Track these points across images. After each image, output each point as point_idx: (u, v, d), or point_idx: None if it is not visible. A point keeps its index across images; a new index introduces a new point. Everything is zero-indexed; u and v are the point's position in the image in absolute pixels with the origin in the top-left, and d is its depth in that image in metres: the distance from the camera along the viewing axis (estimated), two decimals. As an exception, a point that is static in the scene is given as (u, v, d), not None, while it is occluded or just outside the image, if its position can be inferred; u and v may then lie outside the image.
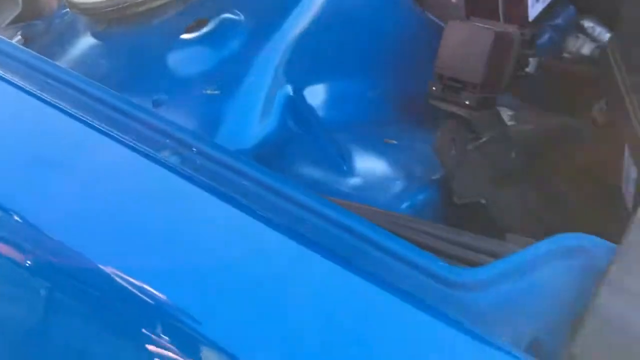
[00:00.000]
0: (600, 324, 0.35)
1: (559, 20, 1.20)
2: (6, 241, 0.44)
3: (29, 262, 0.43)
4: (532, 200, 0.69)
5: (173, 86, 0.66)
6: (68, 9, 0.85)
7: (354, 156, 0.65)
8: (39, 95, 0.52)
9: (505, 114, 0.80)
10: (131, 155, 0.47)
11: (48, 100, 0.51)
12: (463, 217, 0.61)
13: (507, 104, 0.90)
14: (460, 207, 0.61)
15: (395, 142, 0.69)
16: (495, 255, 0.46)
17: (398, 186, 0.62)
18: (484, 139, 0.64)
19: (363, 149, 0.67)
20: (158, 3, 0.71)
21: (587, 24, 1.24)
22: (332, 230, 0.43)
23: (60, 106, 0.50)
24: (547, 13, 1.13)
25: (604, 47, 0.81)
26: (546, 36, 1.19)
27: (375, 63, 0.77)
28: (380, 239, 0.43)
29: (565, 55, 1.21)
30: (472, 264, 0.45)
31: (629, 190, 0.73)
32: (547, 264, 0.42)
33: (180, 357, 0.39)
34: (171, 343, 0.40)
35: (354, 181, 0.63)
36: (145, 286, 0.40)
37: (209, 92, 0.64)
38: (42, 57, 0.57)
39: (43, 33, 0.95)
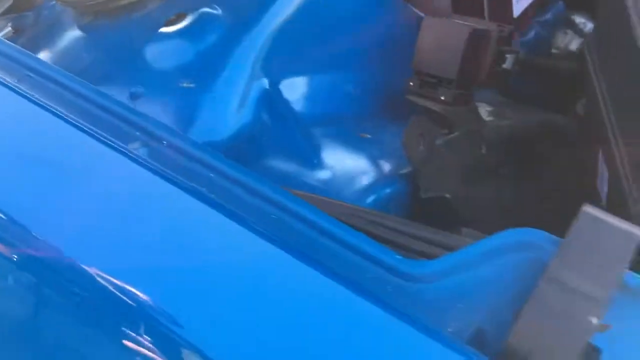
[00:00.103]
0: (537, 316, 0.36)
1: (547, 16, 1.21)
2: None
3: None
4: (507, 196, 0.70)
5: (151, 79, 0.68)
6: (56, 1, 0.87)
7: (326, 150, 0.66)
8: (14, 87, 0.53)
9: (484, 109, 0.81)
10: (99, 147, 0.48)
11: (23, 92, 0.53)
12: (429, 212, 0.63)
13: (489, 100, 0.91)
14: (426, 202, 0.62)
15: (369, 136, 0.70)
16: (450, 249, 0.47)
17: (365, 180, 0.64)
18: (453, 135, 0.65)
19: (336, 143, 0.68)
20: (139, -4, 0.72)
21: (579, 19, 1.25)
22: (289, 222, 0.44)
23: (34, 98, 0.52)
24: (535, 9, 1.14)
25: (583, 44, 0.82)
26: (533, 32, 1.20)
27: (355, 57, 0.78)
28: (335, 230, 0.44)
29: (554, 51, 1.22)
30: (428, 257, 0.46)
31: (603, 188, 0.74)
32: (496, 257, 0.43)
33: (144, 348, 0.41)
34: (131, 332, 0.41)
35: (323, 174, 0.64)
36: (105, 275, 0.41)
37: (184, 85, 0.65)
38: (21, 49, 0.58)
39: (32, 24, 0.96)
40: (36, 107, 0.51)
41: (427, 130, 0.60)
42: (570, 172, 0.77)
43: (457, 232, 0.50)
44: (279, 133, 0.65)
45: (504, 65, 0.77)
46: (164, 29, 0.70)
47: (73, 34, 0.80)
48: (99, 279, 0.42)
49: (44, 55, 0.83)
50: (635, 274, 0.41)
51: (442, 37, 0.71)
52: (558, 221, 0.46)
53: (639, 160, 0.61)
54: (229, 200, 0.46)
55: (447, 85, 0.72)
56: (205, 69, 0.67)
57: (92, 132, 0.49)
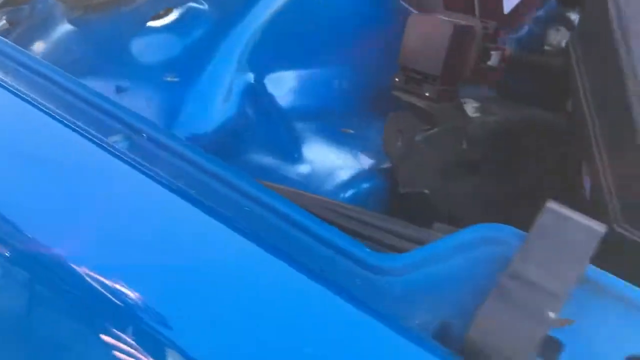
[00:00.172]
0: (496, 309, 0.37)
1: (540, 13, 1.21)
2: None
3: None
4: (488, 193, 0.71)
5: (137, 73, 0.68)
6: (48, -5, 0.88)
7: (308, 145, 0.67)
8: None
9: (471, 106, 0.81)
10: (79, 140, 0.49)
11: (6, 85, 0.53)
12: (408, 207, 0.63)
13: (479, 96, 0.91)
14: (404, 197, 0.63)
15: (352, 131, 0.70)
16: (421, 243, 0.47)
17: (344, 175, 0.64)
18: (433, 131, 0.66)
19: (318, 138, 0.68)
20: (127, -10, 0.72)
21: (574, 16, 1.25)
22: (262, 214, 0.45)
23: (17, 91, 0.52)
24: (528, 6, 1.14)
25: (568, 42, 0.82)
26: (526, 29, 1.20)
27: (342, 53, 0.79)
28: (306, 223, 0.45)
29: (547, 47, 1.22)
30: (398, 251, 0.47)
31: (587, 183, 0.74)
32: (464, 252, 0.44)
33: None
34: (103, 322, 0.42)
35: (303, 169, 0.65)
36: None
37: (169, 79, 0.66)
38: (7, 41, 0.59)
39: (27, 17, 0.97)
40: (19, 100, 0.52)
41: (406, 126, 0.60)
42: (555, 170, 0.77)
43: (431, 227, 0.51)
44: (262, 127, 0.66)
45: (489, 62, 0.77)
46: (151, 23, 0.71)
47: (64, 27, 0.81)
48: (73, 270, 0.43)
49: (37, 47, 0.83)
50: (597, 269, 0.42)
51: (427, 33, 0.72)
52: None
53: (622, 175, 0.60)
54: (205, 193, 0.47)
55: (432, 82, 0.72)
56: (190, 63, 0.68)
57: (72, 124, 0.50)
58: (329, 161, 0.67)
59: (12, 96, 0.51)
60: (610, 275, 0.42)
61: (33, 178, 0.46)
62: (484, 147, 0.72)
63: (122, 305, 0.41)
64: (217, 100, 0.66)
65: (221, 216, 0.45)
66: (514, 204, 0.72)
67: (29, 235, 0.43)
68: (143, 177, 0.46)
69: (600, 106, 0.64)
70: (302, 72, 0.74)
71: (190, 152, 0.50)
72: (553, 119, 0.90)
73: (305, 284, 0.40)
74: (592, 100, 0.67)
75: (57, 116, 0.50)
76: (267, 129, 0.66)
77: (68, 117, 0.51)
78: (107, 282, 0.42)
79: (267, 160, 0.65)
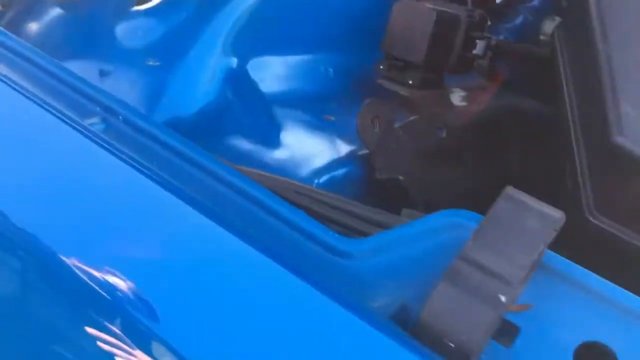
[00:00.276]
0: (448, 292, 0.38)
1: (534, 2, 1.20)
2: None
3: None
4: (467, 180, 0.71)
5: (121, 56, 0.69)
6: (39, -22, 0.88)
7: (287, 130, 0.67)
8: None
9: (457, 94, 0.82)
10: (54, 122, 0.50)
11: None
12: (384, 194, 0.64)
13: (468, 85, 0.91)
14: (381, 183, 0.63)
15: (333, 118, 0.71)
16: (387, 228, 0.48)
17: (321, 160, 0.65)
18: (411, 118, 0.66)
19: (298, 124, 0.69)
20: (113, -25, 0.73)
21: (568, 6, 1.24)
22: (230, 196, 0.45)
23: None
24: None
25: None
26: (520, 18, 1.20)
27: (328, 39, 0.79)
28: (275, 206, 0.45)
29: (542, 37, 1.21)
30: (365, 236, 0.47)
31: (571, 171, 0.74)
32: (427, 237, 0.44)
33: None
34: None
35: (280, 154, 0.65)
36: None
37: (150, 63, 0.66)
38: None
39: (18, 0, 0.98)
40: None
41: (381, 113, 0.60)
42: (538, 160, 0.77)
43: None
44: (242, 112, 0.66)
45: (475, 51, 0.77)
46: (136, 8, 0.71)
47: (52, 11, 0.82)
48: (42, 254, 0.44)
49: (25, 31, 0.84)
50: (555, 255, 0.42)
51: (410, 20, 0.72)
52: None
53: (596, 167, 0.60)
54: (176, 175, 0.47)
55: (415, 69, 0.72)
56: (175, 47, 0.68)
57: (49, 106, 0.51)
58: (307, 147, 0.67)
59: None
60: (569, 262, 0.42)
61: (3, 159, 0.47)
62: (465, 136, 0.73)
63: (98, 289, 0.42)
64: (200, 84, 0.66)
65: (191, 199, 0.45)
66: (493, 192, 0.72)
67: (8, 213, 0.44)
68: (115, 159, 0.46)
69: (579, 97, 0.64)
70: (287, 58, 0.75)
71: (164, 135, 0.50)
72: (542, 109, 0.90)
73: (267, 265, 0.41)
74: (573, 90, 0.67)
75: (32, 97, 0.51)
76: (247, 114, 0.66)
77: (45, 98, 0.52)
78: (72, 262, 0.43)
79: (246, 144, 0.65)
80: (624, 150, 0.53)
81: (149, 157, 0.49)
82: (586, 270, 0.42)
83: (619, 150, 0.54)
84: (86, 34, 0.72)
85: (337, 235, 0.45)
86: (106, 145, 0.48)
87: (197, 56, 0.68)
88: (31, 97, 0.50)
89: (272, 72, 0.73)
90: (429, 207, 0.61)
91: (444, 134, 0.69)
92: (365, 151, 0.65)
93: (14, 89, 0.52)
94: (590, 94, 0.61)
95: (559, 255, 0.43)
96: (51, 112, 0.50)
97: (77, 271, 0.43)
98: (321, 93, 0.75)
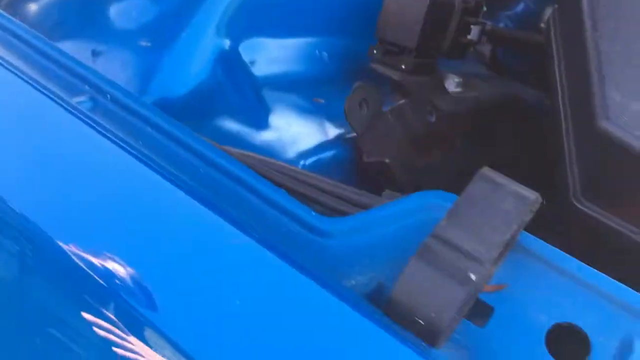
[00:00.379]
0: (420, 271, 0.38)
1: (536, -10, 1.19)
2: None
3: None
4: (458, 165, 0.71)
5: (114, 37, 0.69)
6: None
7: (276, 112, 0.68)
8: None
9: (452, 80, 0.82)
10: (42, 99, 0.50)
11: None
12: (371, 177, 0.64)
13: (464, 71, 0.91)
14: (368, 166, 0.63)
15: (322, 101, 0.71)
16: (367, 208, 0.48)
17: (308, 143, 0.65)
18: (400, 102, 0.66)
19: (288, 107, 0.69)
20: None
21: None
22: (211, 173, 0.46)
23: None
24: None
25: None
26: (522, 5, 1.19)
27: (322, 21, 0.79)
28: (255, 184, 0.46)
29: (543, 25, 1.20)
30: (345, 215, 0.48)
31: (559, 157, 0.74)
32: (404, 217, 0.45)
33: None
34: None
35: (268, 135, 0.65)
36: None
37: (143, 43, 0.67)
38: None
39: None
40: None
41: (370, 97, 0.61)
42: (531, 147, 0.77)
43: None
44: (233, 94, 0.67)
45: (469, 37, 0.77)
46: (129, -13, 0.72)
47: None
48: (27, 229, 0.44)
49: (21, 11, 0.85)
50: (531, 236, 0.42)
51: (404, 4, 0.71)
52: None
53: (583, 152, 0.60)
54: (162, 154, 0.48)
55: (408, 54, 0.72)
56: (166, 28, 0.69)
57: (37, 84, 0.52)
58: (295, 129, 0.67)
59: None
60: (543, 243, 0.42)
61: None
62: (457, 122, 0.72)
63: (84, 267, 0.43)
64: (192, 65, 0.66)
65: (174, 177, 0.46)
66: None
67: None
68: (100, 137, 0.47)
69: (568, 82, 0.64)
70: (281, 41, 0.75)
71: (150, 113, 0.51)
72: (536, 96, 0.90)
73: (245, 242, 0.42)
74: (565, 76, 0.67)
75: (23, 75, 0.51)
76: (239, 96, 0.67)
77: (35, 77, 0.52)
78: (60, 244, 0.43)
79: (236, 125, 0.66)
80: (609, 135, 0.53)
81: (135, 135, 0.49)
82: (562, 252, 0.42)
83: (604, 135, 0.54)
84: (80, 15, 0.73)
85: (315, 214, 0.46)
86: (92, 124, 0.48)
87: (190, 37, 0.68)
88: (21, 76, 0.51)
89: (265, 55, 0.73)
90: (417, 191, 0.61)
91: (433, 119, 0.69)
92: (354, 134, 0.65)
93: (5, 68, 0.53)
94: (578, 79, 0.61)
95: (534, 237, 0.43)
96: (40, 90, 0.50)
97: (59, 253, 0.43)
98: (315, 76, 0.75)
